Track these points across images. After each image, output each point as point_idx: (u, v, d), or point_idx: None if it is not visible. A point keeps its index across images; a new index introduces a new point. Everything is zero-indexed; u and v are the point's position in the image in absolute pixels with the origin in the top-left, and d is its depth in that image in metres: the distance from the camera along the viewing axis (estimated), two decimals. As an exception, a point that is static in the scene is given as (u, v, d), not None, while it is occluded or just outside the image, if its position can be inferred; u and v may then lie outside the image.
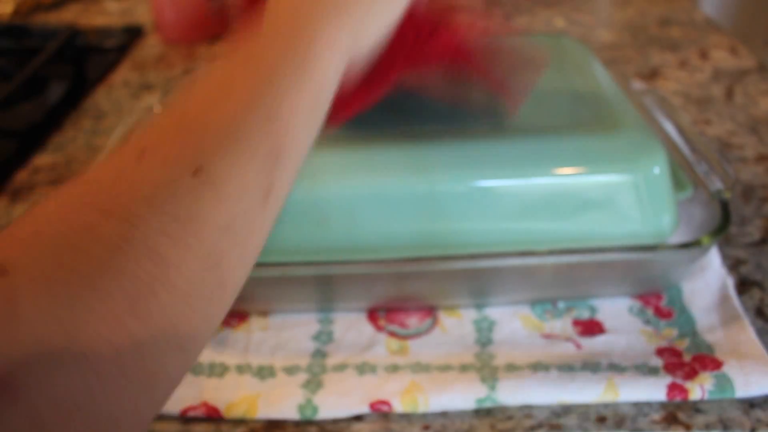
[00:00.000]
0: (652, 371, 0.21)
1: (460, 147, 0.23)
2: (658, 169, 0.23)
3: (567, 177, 0.22)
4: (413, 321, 0.24)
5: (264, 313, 0.25)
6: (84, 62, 0.47)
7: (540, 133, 0.24)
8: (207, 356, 0.23)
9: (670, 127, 0.29)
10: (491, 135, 0.24)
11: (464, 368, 0.22)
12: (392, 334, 0.24)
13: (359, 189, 0.23)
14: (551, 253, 0.23)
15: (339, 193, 0.22)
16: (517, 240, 0.23)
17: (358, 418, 0.21)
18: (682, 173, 0.25)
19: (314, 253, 0.22)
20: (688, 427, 0.20)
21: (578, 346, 0.23)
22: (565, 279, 0.23)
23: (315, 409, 0.21)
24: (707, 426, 0.20)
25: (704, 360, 0.22)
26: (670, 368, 0.21)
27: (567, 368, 0.21)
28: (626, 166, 0.23)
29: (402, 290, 0.24)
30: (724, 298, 0.24)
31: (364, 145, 0.24)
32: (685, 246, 0.22)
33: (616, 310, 0.24)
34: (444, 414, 0.21)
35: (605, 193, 0.22)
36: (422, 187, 0.22)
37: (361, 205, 0.22)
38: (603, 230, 0.23)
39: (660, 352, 0.22)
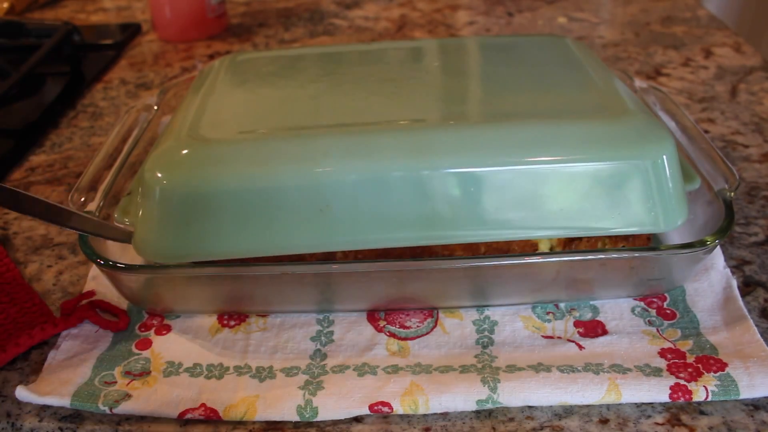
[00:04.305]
0: (655, 372, 0.21)
1: (466, 131, 0.23)
2: (667, 155, 0.22)
3: (575, 163, 0.22)
4: (413, 322, 0.24)
5: (263, 314, 0.25)
6: (81, 60, 0.46)
7: (548, 118, 0.23)
8: (205, 357, 0.23)
9: (673, 126, 0.29)
10: (499, 121, 0.24)
11: (465, 369, 0.22)
12: (392, 334, 0.23)
13: (364, 172, 0.22)
14: (553, 253, 0.22)
15: (343, 177, 0.22)
16: (525, 227, 0.22)
17: (357, 419, 0.21)
18: (688, 166, 0.25)
19: (318, 239, 0.22)
20: (691, 429, 0.20)
21: (580, 347, 0.22)
22: (566, 280, 0.23)
23: (314, 411, 0.21)
24: (711, 428, 0.20)
25: (708, 361, 0.21)
26: (673, 369, 0.21)
27: (569, 369, 0.21)
28: (634, 152, 0.22)
29: (402, 290, 0.24)
30: (728, 299, 0.24)
31: (370, 128, 0.23)
32: (688, 246, 0.22)
33: (619, 311, 0.24)
34: (444, 415, 0.21)
35: (615, 179, 0.22)
36: (426, 173, 0.22)
37: (367, 188, 0.22)
38: (612, 217, 0.22)
39: (663, 353, 0.22)
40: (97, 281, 0.26)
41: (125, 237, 0.24)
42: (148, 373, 0.22)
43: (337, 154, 0.22)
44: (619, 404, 0.21)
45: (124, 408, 0.21)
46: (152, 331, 0.24)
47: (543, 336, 0.23)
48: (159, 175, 0.22)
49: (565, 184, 0.22)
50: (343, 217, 0.22)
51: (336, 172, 0.22)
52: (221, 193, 0.22)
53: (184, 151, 0.23)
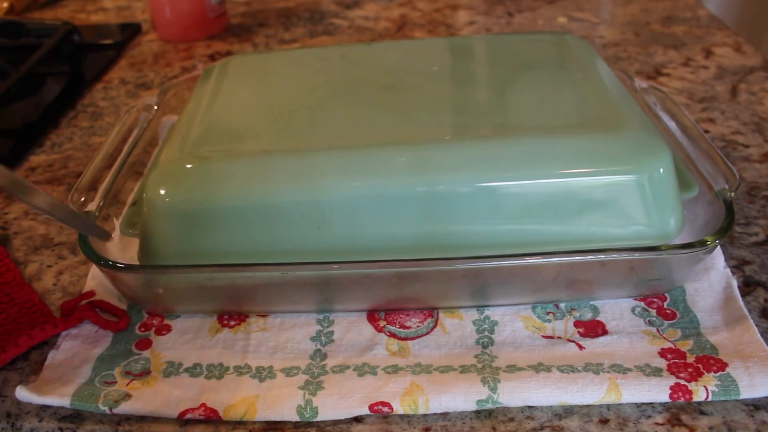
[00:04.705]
0: (655, 372, 0.21)
1: (463, 147, 0.23)
2: (663, 169, 0.22)
3: (571, 177, 0.22)
4: (414, 322, 0.24)
5: (263, 314, 0.25)
6: (81, 60, 0.46)
7: (544, 133, 0.23)
8: (205, 357, 0.23)
9: (673, 126, 0.29)
10: (494, 135, 0.24)
11: (465, 369, 0.22)
12: (392, 335, 0.23)
13: (360, 190, 0.22)
14: (553, 253, 0.22)
15: (339, 195, 0.22)
16: (521, 242, 0.22)
17: (357, 419, 0.21)
18: (687, 173, 0.25)
19: (314, 256, 0.22)
20: (692, 429, 0.20)
21: (580, 347, 0.22)
22: (567, 280, 0.23)
23: (314, 411, 0.21)
24: (711, 428, 0.20)
25: (708, 361, 0.21)
26: (673, 369, 0.21)
27: (569, 369, 0.21)
28: (631, 166, 0.22)
29: (402, 291, 0.24)
30: (728, 299, 0.24)
31: (366, 146, 0.23)
32: (688, 246, 0.22)
33: (619, 311, 0.24)
34: (444, 415, 0.21)
35: (610, 193, 0.22)
36: (424, 188, 0.22)
37: (363, 206, 0.22)
38: (608, 231, 0.22)
39: (663, 353, 0.22)
40: (97, 281, 0.26)
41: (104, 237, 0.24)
42: (148, 373, 0.22)
43: (332, 173, 0.22)
44: (619, 404, 0.21)
45: (124, 408, 0.21)
46: (152, 331, 0.24)
47: (543, 336, 0.23)
48: (162, 192, 0.23)
49: (562, 200, 0.22)
50: (339, 235, 0.22)
51: (331, 191, 0.22)
52: (220, 211, 0.22)
53: (187, 166, 0.23)
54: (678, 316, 0.24)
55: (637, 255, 0.22)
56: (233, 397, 0.21)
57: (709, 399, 0.20)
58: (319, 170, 0.22)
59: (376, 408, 0.21)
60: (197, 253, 0.23)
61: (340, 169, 0.23)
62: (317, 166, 0.23)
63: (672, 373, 0.21)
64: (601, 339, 0.23)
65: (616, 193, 0.22)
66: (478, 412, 0.21)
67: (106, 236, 0.24)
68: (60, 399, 0.21)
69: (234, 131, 0.26)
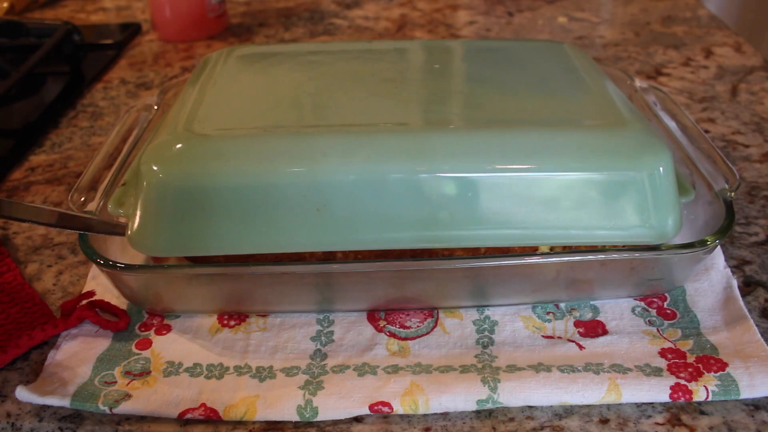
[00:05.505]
0: (656, 372, 0.21)
1: (464, 136, 0.23)
2: (663, 168, 0.22)
3: (570, 172, 0.22)
4: (414, 322, 0.24)
5: (263, 314, 0.25)
6: (81, 60, 0.46)
7: (546, 127, 0.23)
8: (205, 357, 0.23)
9: (673, 126, 0.29)
10: (497, 126, 0.24)
11: (465, 369, 0.22)
12: (392, 334, 0.23)
13: (362, 173, 0.22)
14: (553, 253, 0.22)
15: (341, 176, 0.22)
16: (519, 234, 0.22)
17: (357, 419, 0.21)
18: (684, 177, 0.25)
19: (314, 238, 0.22)
20: (692, 429, 0.20)
21: (580, 347, 0.22)
22: (567, 280, 0.23)
23: (314, 411, 0.21)
24: (711, 428, 0.20)
25: (708, 361, 0.21)
26: (673, 369, 0.21)
27: (569, 369, 0.21)
28: (631, 163, 0.22)
29: (402, 290, 0.24)
30: (728, 299, 0.24)
31: (369, 129, 0.23)
32: (689, 246, 0.22)
33: (619, 311, 0.24)
34: (444, 415, 0.21)
35: (609, 190, 0.22)
36: (426, 174, 0.22)
37: (364, 189, 0.22)
38: (606, 228, 0.22)
39: (663, 352, 0.22)
40: (97, 281, 0.26)
41: (118, 231, 0.23)
42: (148, 373, 0.22)
43: (334, 154, 0.22)
44: (620, 404, 0.21)
45: (124, 408, 0.21)
46: (152, 331, 0.24)
47: (543, 336, 0.23)
48: (155, 168, 0.22)
49: (561, 192, 0.22)
50: (339, 217, 0.22)
51: (333, 172, 0.22)
52: (216, 189, 0.22)
53: (180, 145, 0.23)
54: (678, 316, 0.24)
55: (637, 255, 0.22)
56: (233, 397, 0.21)
57: (709, 399, 0.20)
58: (321, 150, 0.22)
59: (376, 408, 0.21)
60: (191, 235, 0.22)
61: (343, 150, 0.22)
62: (319, 146, 0.22)
63: (672, 373, 0.21)
64: (601, 339, 0.23)
65: (615, 189, 0.22)
66: (478, 412, 0.21)
67: (120, 229, 0.23)
68: (60, 399, 0.21)
69: (232, 112, 0.25)
